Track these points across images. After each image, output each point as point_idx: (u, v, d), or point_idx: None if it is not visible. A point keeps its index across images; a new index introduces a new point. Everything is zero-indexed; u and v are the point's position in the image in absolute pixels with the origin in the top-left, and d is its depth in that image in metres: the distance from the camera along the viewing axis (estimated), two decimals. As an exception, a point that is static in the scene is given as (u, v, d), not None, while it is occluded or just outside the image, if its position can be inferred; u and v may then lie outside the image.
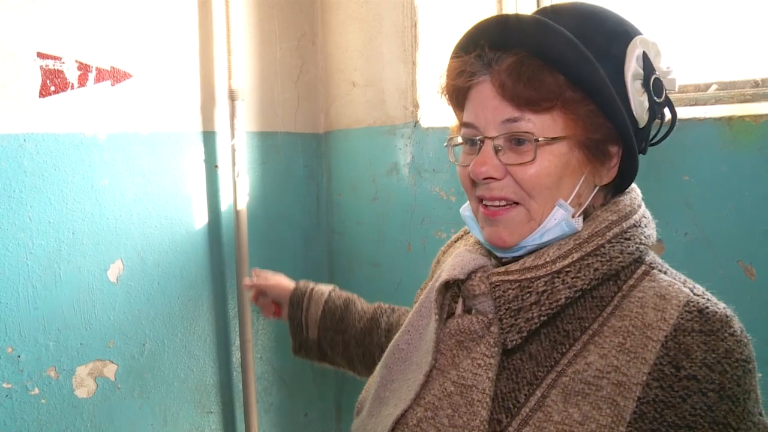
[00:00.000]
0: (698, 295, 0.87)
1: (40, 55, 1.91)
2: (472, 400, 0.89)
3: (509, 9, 2.26)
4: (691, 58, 1.88)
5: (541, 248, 0.94)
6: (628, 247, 0.90)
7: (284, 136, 2.52)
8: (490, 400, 0.88)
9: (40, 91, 1.92)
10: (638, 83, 0.91)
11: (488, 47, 0.94)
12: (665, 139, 1.01)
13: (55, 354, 1.98)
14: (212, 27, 2.28)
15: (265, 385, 2.51)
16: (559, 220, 0.91)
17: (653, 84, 0.92)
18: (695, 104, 1.70)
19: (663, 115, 0.98)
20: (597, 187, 0.95)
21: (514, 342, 0.89)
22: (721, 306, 0.87)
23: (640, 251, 0.92)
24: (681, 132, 1.57)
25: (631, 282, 0.91)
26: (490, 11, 2.26)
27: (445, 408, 0.91)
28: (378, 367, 1.07)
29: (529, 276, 0.90)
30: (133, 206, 2.11)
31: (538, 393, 0.87)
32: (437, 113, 2.19)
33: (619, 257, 0.89)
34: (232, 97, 2.28)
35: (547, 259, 0.90)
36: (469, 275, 0.97)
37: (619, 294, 0.90)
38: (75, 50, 1.98)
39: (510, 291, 0.90)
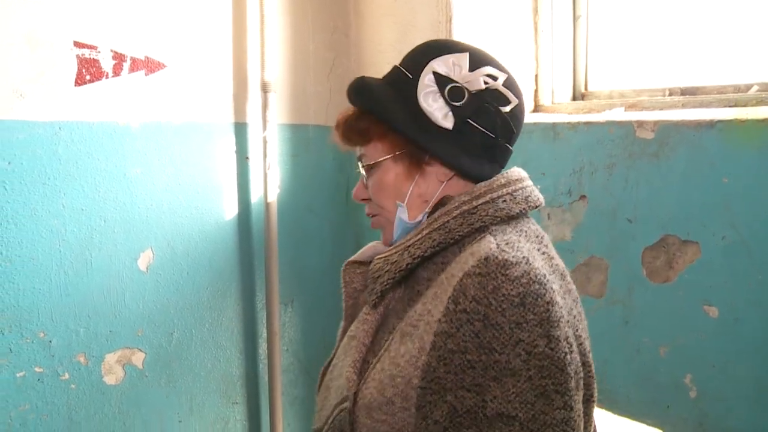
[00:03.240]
0: (498, 248, 1.04)
1: (77, 44, 1.93)
2: (352, 346, 1.16)
3: (543, 4, 2.24)
4: (731, 59, 1.84)
5: None
6: (470, 219, 1.10)
7: (315, 129, 2.51)
8: (364, 346, 1.13)
9: (76, 79, 1.94)
10: (431, 95, 1.14)
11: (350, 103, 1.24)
12: (509, 125, 1.17)
13: (85, 340, 2.00)
14: (246, 19, 2.28)
15: (290, 377, 2.51)
16: (398, 217, 1.18)
17: (449, 92, 1.13)
18: (735, 105, 1.66)
19: (491, 107, 1.14)
20: (443, 183, 1.16)
21: (374, 301, 1.15)
22: (511, 254, 1.02)
23: (484, 222, 1.09)
24: (721, 133, 1.53)
25: (467, 247, 1.09)
26: (526, 7, 2.23)
27: (342, 355, 1.22)
28: None
29: (392, 251, 1.15)
30: (164, 196, 2.13)
31: (390, 338, 1.10)
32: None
33: (457, 228, 1.09)
34: (264, 89, 2.28)
35: (407, 239, 1.14)
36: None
37: (457, 256, 1.09)
38: (110, 40, 1.99)
39: (377, 264, 1.16)
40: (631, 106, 1.96)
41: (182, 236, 2.17)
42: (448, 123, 1.13)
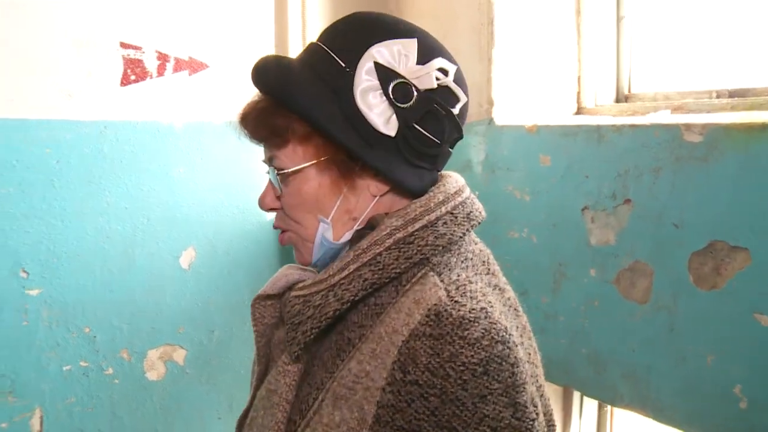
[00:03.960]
0: (451, 298, 0.87)
1: (123, 45, 1.96)
2: (273, 402, 0.97)
3: (586, 4, 2.21)
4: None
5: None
6: (407, 252, 0.91)
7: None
8: (287, 403, 0.96)
9: (122, 79, 1.97)
10: (370, 94, 0.93)
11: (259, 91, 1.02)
12: (458, 127, 0.99)
13: (128, 336, 2.03)
14: (287, 19, 2.29)
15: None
16: (320, 236, 0.99)
17: (393, 90, 0.92)
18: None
19: (441, 110, 0.96)
20: (376, 198, 0.98)
21: (296, 353, 0.95)
22: (467, 308, 0.86)
23: (424, 254, 0.92)
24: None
25: (407, 287, 0.91)
26: (568, 8, 2.21)
27: (260, 409, 1.01)
28: None
29: (312, 291, 0.95)
30: (207, 195, 2.15)
31: (320, 397, 0.91)
32: (513, 111, 2.15)
33: (393, 264, 0.91)
34: (306, 89, 2.29)
35: (330, 273, 0.94)
36: (289, 288, 1.05)
37: (393, 301, 0.91)
38: (155, 40, 2.02)
39: (296, 306, 0.96)
40: (676, 109, 1.93)
41: (224, 235, 2.19)
42: (390, 129, 0.93)
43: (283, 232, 1.06)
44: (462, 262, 0.96)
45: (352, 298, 0.91)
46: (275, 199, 1.05)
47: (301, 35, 2.28)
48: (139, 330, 2.05)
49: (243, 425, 1.10)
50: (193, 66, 2.10)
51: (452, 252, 0.96)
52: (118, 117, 1.97)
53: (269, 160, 1.03)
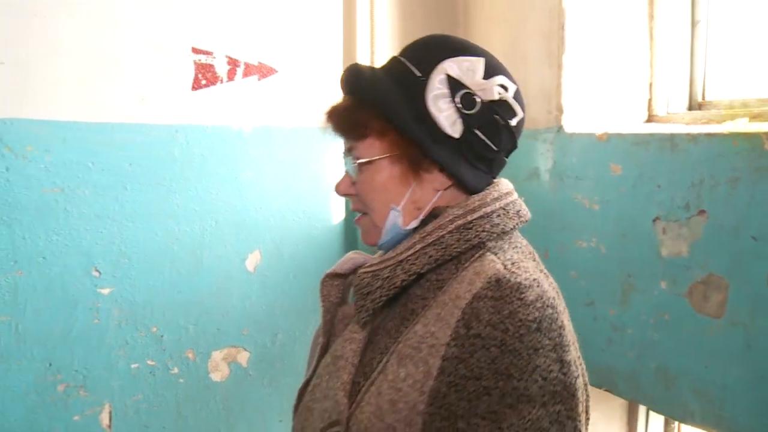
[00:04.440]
0: (507, 270, 1.01)
1: (195, 50, 1.99)
2: (339, 366, 1.08)
3: (660, 9, 2.16)
4: None
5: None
6: (466, 235, 1.06)
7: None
8: (353, 366, 1.06)
9: (193, 84, 2.00)
10: (441, 100, 1.07)
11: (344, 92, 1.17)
12: (514, 139, 1.13)
13: (194, 337, 2.07)
14: (356, 25, 2.30)
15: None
16: (391, 222, 1.12)
17: (461, 98, 1.06)
18: None
19: (500, 120, 1.09)
20: (439, 192, 1.11)
21: (364, 319, 1.09)
22: (524, 278, 1.00)
23: (481, 238, 1.06)
24: None
25: (466, 264, 1.05)
26: (641, 13, 2.16)
27: (325, 375, 1.11)
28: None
29: (381, 266, 1.08)
30: (274, 199, 2.17)
31: (384, 359, 1.04)
32: (582, 118, 2.11)
33: (454, 244, 1.05)
34: (372, 94, 2.29)
35: (398, 252, 1.08)
36: (353, 270, 1.20)
37: (454, 276, 1.05)
38: (225, 46, 2.05)
39: (365, 279, 1.09)
40: (755, 117, 1.86)
41: (289, 239, 2.21)
42: (455, 132, 1.07)
43: (361, 215, 1.19)
44: (513, 248, 1.09)
45: (418, 270, 1.06)
46: (350, 186, 1.18)
47: (369, 41, 2.29)
48: (204, 331, 2.08)
49: (304, 393, 1.19)
50: (263, 71, 2.12)
51: (504, 240, 1.10)
52: (189, 121, 2.00)
53: (348, 151, 1.16)
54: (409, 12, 2.43)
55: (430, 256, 1.05)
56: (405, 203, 1.12)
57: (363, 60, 2.30)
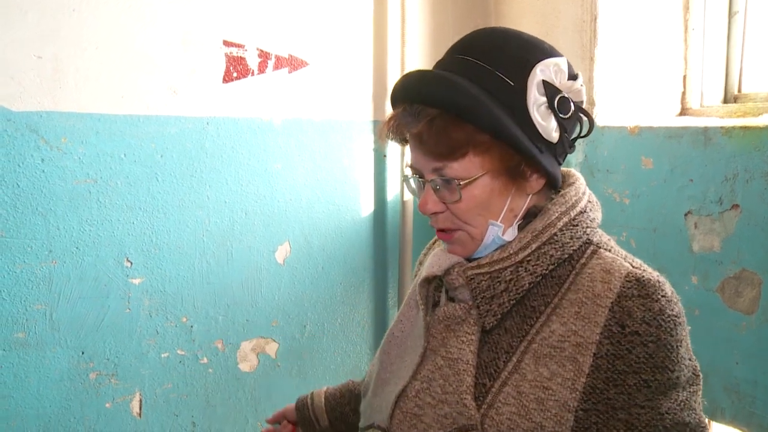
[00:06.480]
0: (636, 267, 1.06)
1: (226, 43, 2.01)
2: (459, 370, 1.07)
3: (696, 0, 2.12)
4: None
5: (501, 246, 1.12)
6: (577, 232, 1.08)
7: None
8: (474, 368, 1.06)
9: (224, 76, 2.02)
10: (543, 108, 1.05)
11: (410, 103, 1.08)
12: (587, 136, 1.16)
13: (223, 327, 2.09)
14: (387, 18, 2.30)
15: (417, 375, 2.51)
16: (492, 237, 1.10)
17: (558, 104, 1.06)
18: None
19: (580, 120, 1.12)
20: (530, 196, 1.11)
21: (492, 323, 1.07)
22: (654, 274, 1.05)
23: (587, 234, 1.10)
24: None
25: (582, 261, 1.08)
26: (676, 4, 2.12)
27: (438, 379, 1.08)
28: (377, 354, 1.27)
29: (497, 268, 1.07)
30: (303, 191, 2.18)
31: (514, 359, 1.05)
32: (614, 111, 2.09)
33: (570, 242, 1.08)
34: (402, 87, 2.29)
35: (511, 252, 1.08)
36: (448, 271, 1.13)
37: (573, 272, 1.08)
38: (256, 38, 2.06)
39: (483, 282, 1.08)
40: (793, 110, 1.82)
41: (319, 231, 2.22)
42: (555, 137, 1.07)
43: (450, 232, 1.13)
44: (608, 242, 1.13)
45: (544, 271, 1.07)
46: (437, 203, 1.11)
47: (400, 33, 2.28)
48: (233, 322, 2.11)
49: (400, 397, 1.12)
50: (293, 64, 2.13)
51: (598, 234, 1.14)
52: (220, 113, 2.02)
53: (435, 170, 1.08)
54: (441, 4, 2.42)
55: (551, 256, 1.07)
56: (504, 214, 1.10)
57: (393, 55, 2.29)
